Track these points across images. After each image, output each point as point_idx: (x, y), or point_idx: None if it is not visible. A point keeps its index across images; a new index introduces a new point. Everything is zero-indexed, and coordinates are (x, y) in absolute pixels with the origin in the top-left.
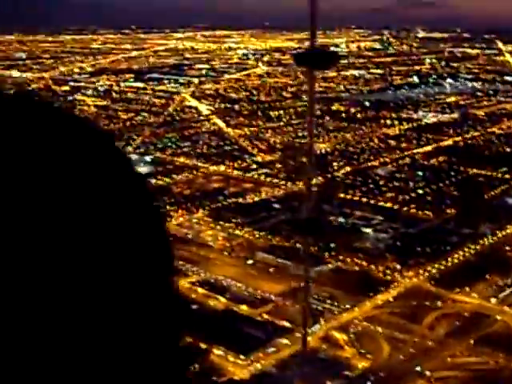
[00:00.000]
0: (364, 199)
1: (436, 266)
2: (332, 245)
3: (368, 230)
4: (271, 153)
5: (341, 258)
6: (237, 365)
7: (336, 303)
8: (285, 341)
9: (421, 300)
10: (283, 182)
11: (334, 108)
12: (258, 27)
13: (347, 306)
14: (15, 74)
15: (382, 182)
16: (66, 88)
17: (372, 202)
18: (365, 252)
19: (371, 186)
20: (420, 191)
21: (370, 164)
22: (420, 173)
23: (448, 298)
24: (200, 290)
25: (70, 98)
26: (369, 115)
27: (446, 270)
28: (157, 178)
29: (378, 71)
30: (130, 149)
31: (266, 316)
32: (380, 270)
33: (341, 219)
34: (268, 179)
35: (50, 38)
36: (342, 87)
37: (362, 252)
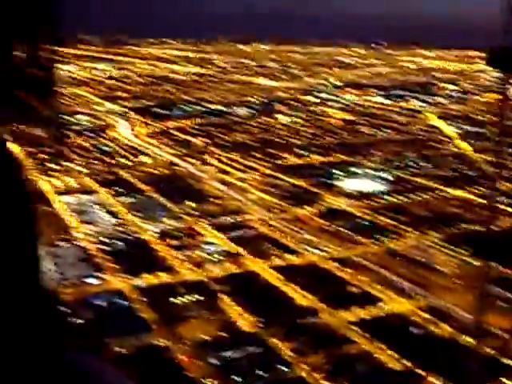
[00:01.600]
0: None
1: None
2: None
3: None
4: None
5: None
6: None
7: None
8: (507, 381)
9: None
10: None
11: None
12: None
13: None
14: (264, 81)
15: None
16: (313, 99)
17: None
18: None
19: None
20: None
21: None
22: None
23: None
24: (424, 315)
25: (315, 109)
26: None
27: None
28: (393, 196)
29: None
30: (370, 164)
31: (490, 351)
32: None
33: None
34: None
35: (300, 49)
36: None
37: None
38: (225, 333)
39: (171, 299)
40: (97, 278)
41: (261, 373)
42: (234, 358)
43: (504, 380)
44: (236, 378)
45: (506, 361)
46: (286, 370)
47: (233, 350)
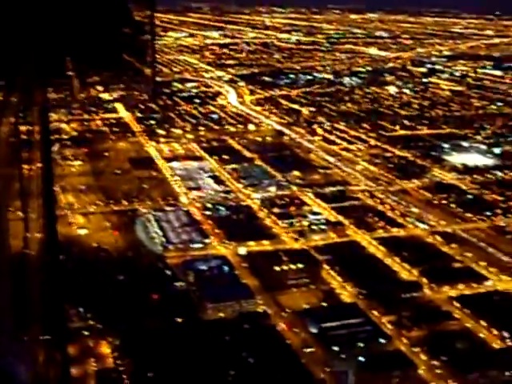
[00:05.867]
0: None
1: None
2: None
3: None
4: None
5: None
6: None
7: None
8: None
9: None
10: None
11: None
12: None
13: None
14: (373, 51)
15: None
16: (423, 70)
17: None
18: None
19: None
20: None
21: None
22: None
23: None
24: None
25: (425, 80)
26: None
27: None
28: (503, 171)
29: None
30: (479, 138)
31: None
32: None
33: None
34: None
35: (412, 19)
36: None
37: None
38: (325, 303)
39: (273, 267)
40: (201, 243)
41: (360, 344)
42: (333, 327)
43: None
44: (335, 348)
45: None
46: (385, 342)
47: (333, 320)
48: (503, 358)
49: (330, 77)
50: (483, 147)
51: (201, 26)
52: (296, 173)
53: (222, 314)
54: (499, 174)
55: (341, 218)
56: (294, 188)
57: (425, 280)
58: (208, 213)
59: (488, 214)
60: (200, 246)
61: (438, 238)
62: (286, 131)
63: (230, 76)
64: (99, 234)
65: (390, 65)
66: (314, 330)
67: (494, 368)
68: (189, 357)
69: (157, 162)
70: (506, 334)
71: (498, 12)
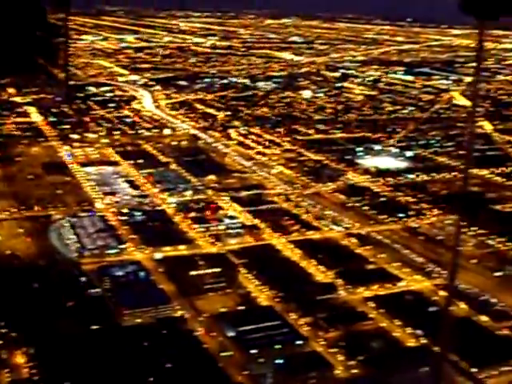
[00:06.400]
0: None
1: None
2: None
3: None
4: None
5: None
6: (468, 377)
7: None
8: None
9: None
10: None
11: None
12: None
13: None
14: (288, 56)
15: None
16: (337, 75)
17: None
18: None
19: None
20: None
21: None
22: None
23: None
24: (442, 293)
25: (339, 84)
26: None
27: None
28: (415, 174)
29: None
30: (391, 141)
31: (506, 332)
32: None
33: None
34: None
35: (325, 25)
36: None
37: None
38: (242, 306)
39: (190, 271)
40: (117, 248)
41: (277, 346)
42: (250, 331)
43: None
44: (252, 351)
45: None
46: (302, 344)
47: (250, 324)
48: (417, 356)
49: (246, 81)
50: (395, 150)
51: (116, 30)
52: (212, 177)
53: (139, 320)
54: (411, 176)
55: (257, 221)
56: (210, 192)
57: (340, 281)
58: (123, 218)
59: (401, 215)
60: (116, 251)
61: (353, 240)
62: (202, 135)
63: (145, 80)
64: (12, 241)
65: (305, 70)
66: (231, 334)
67: (408, 366)
68: (106, 364)
69: (71, 168)
70: (419, 332)
71: (409, 19)
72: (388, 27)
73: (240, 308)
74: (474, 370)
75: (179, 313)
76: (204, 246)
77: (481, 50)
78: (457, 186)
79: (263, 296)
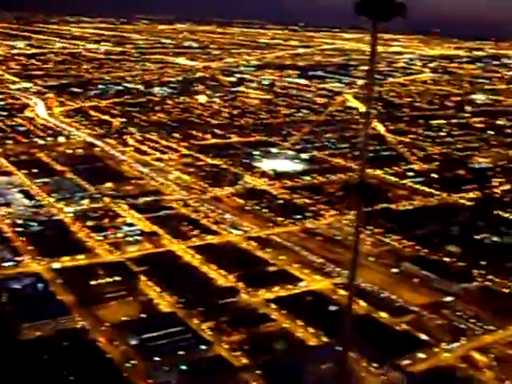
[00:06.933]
0: None
1: None
2: (482, 262)
3: None
4: (428, 162)
5: (490, 277)
6: (369, 372)
7: (480, 323)
8: (421, 354)
9: None
10: (438, 193)
11: (499, 122)
12: (428, 33)
13: (491, 328)
14: (183, 61)
15: None
16: (232, 79)
17: None
18: None
19: None
20: None
21: None
22: None
23: None
24: (342, 292)
25: (234, 89)
26: None
27: None
28: (311, 176)
29: None
30: (287, 144)
31: (405, 326)
32: None
33: (495, 238)
34: (423, 188)
35: (220, 30)
36: (510, 101)
37: None
38: (144, 314)
39: (89, 281)
40: (13, 261)
41: (181, 352)
42: (153, 338)
43: (419, 354)
44: (156, 358)
45: (421, 335)
46: (206, 349)
47: (153, 331)
48: (320, 354)
49: (140, 87)
50: (291, 153)
51: (6, 36)
52: (109, 184)
53: (39, 333)
54: (307, 178)
55: (156, 228)
56: (107, 200)
57: (241, 285)
58: (19, 229)
59: (298, 217)
60: (12, 264)
61: (253, 243)
62: (98, 143)
63: (38, 87)
64: None
65: (200, 75)
66: (134, 342)
67: (312, 364)
68: (7, 380)
69: None
70: (321, 332)
71: (301, 23)
72: (281, 32)
73: (142, 316)
74: (375, 365)
75: (80, 323)
76: (103, 255)
77: (374, 52)
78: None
79: (165, 302)
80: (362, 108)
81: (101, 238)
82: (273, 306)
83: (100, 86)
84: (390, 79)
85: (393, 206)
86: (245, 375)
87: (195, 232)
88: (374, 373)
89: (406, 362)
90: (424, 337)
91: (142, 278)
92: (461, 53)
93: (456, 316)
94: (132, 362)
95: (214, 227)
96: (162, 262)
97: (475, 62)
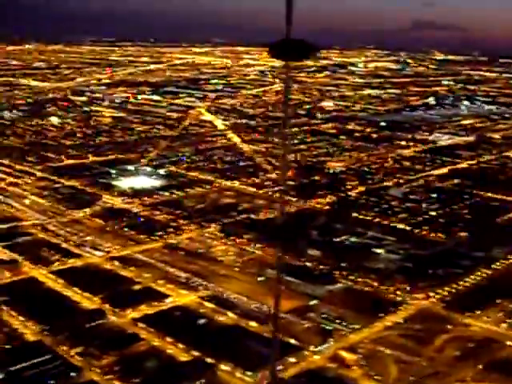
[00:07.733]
0: (377, 219)
1: (447, 288)
2: (343, 264)
3: (380, 251)
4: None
5: (352, 277)
6: (243, 381)
7: (345, 323)
8: (292, 359)
9: (431, 323)
10: (295, 200)
11: (349, 127)
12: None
13: (356, 327)
14: (33, 83)
15: (395, 203)
16: (84, 99)
17: (385, 222)
18: (376, 272)
19: (384, 206)
20: (433, 213)
21: (383, 184)
22: (433, 195)
23: (458, 322)
24: (209, 304)
25: (87, 108)
26: (384, 135)
27: (456, 293)
28: (170, 191)
29: (395, 91)
30: (144, 161)
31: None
32: (391, 291)
33: (353, 239)
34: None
35: (69, 49)
36: (358, 107)
37: (374, 272)
38: (9, 345)
39: None
40: None
41: (51, 382)
42: (21, 369)
43: (290, 359)
44: None
45: (290, 340)
46: (76, 375)
47: (19, 362)
48: (191, 369)
49: None
50: (149, 169)
51: None
52: None
53: None
54: (166, 193)
55: (15, 255)
56: None
57: (107, 306)
58: None
59: (160, 233)
60: None
61: (116, 262)
62: None
63: None
64: None
65: (51, 95)
66: (0, 376)
67: (185, 379)
68: None
69: None
70: (190, 346)
71: (152, 39)
72: (132, 48)
73: (7, 347)
74: (249, 373)
75: None
76: None
77: (288, 87)
78: (212, 199)
79: (30, 331)
80: (216, 121)
81: None
82: (141, 324)
83: None
84: (243, 91)
85: (253, 216)
86: None
87: (56, 256)
88: (248, 381)
89: (278, 367)
90: (293, 341)
91: (4, 308)
92: (308, 62)
93: (322, 318)
94: None
95: (75, 250)
96: (24, 290)
97: (323, 71)
